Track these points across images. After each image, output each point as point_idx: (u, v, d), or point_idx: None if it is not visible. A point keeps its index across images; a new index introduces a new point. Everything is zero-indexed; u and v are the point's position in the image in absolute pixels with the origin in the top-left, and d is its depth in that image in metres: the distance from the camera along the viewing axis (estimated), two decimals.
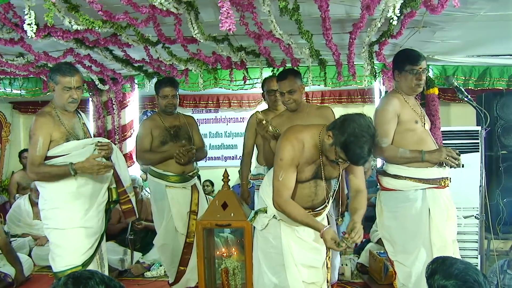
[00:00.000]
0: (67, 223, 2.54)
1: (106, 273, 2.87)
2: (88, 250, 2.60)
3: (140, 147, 3.38)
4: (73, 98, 2.56)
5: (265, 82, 3.56)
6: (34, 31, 2.22)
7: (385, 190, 2.68)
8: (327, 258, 2.41)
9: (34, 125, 2.50)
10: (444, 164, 2.57)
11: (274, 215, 2.32)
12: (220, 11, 1.97)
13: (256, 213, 2.42)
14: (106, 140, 2.76)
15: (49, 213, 2.57)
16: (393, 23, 2.35)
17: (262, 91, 3.60)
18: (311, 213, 2.30)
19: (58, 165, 2.50)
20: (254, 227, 2.49)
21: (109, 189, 2.78)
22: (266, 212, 2.38)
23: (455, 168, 2.59)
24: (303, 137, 2.19)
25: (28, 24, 2.20)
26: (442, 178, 2.57)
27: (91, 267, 2.62)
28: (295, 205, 2.18)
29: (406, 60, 2.63)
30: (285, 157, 2.14)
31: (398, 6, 2.23)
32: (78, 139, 2.61)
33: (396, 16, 2.25)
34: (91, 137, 2.74)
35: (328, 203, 2.37)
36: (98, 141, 2.68)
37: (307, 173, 2.24)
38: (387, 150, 2.57)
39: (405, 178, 2.56)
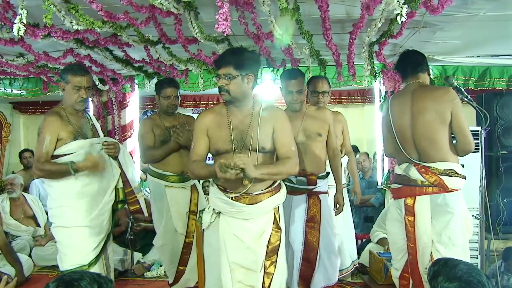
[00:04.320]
0: (72, 221, 2.63)
1: (112, 274, 2.93)
2: (94, 249, 2.67)
3: (143, 145, 3.37)
4: (82, 97, 2.66)
5: (311, 81, 3.46)
6: (22, 32, 2.26)
7: (451, 192, 2.49)
8: (269, 262, 2.25)
9: (43, 123, 2.60)
10: None
11: (213, 208, 2.27)
12: (219, 12, 1.96)
13: (201, 212, 2.37)
14: (113, 140, 2.84)
15: (56, 211, 2.67)
16: (399, 21, 2.33)
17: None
18: (248, 196, 2.19)
19: (59, 163, 2.58)
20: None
21: (116, 189, 2.84)
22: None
23: None
24: (214, 108, 2.44)
25: (19, 20, 2.23)
26: None
27: (96, 267, 2.66)
28: (196, 163, 2.27)
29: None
30: (196, 127, 2.36)
31: (403, 1, 2.22)
32: (85, 139, 2.69)
33: (404, 12, 2.24)
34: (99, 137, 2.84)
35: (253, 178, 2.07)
36: (105, 141, 2.78)
37: (221, 140, 2.27)
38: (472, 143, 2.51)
39: (464, 177, 2.52)
